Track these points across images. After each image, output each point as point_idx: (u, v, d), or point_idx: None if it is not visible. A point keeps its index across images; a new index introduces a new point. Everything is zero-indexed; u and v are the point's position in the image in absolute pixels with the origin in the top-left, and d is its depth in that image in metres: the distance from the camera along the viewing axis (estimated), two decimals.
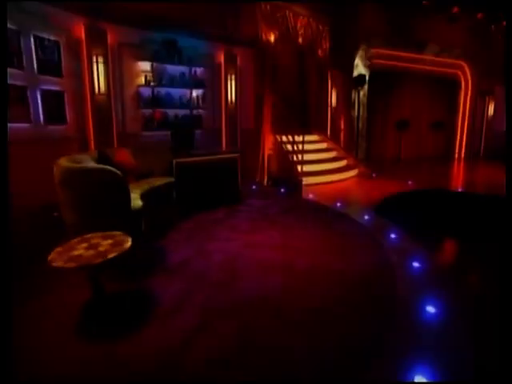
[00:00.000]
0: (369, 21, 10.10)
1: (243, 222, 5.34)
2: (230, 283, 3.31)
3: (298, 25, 8.91)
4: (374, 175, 9.24)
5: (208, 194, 6.27)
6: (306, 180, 7.54)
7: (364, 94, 10.66)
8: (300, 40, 9.02)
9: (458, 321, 2.71)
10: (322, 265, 3.75)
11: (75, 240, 2.95)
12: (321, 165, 8.58)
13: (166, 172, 5.91)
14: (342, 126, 10.58)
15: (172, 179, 5.71)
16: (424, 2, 9.50)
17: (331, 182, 8.24)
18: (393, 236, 4.76)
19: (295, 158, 7.72)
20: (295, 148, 7.92)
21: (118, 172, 3.64)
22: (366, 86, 10.48)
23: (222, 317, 2.74)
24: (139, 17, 6.92)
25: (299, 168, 7.68)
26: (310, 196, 7.04)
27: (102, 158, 4.65)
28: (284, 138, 8.13)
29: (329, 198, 6.90)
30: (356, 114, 10.53)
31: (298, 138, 8.08)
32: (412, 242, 4.66)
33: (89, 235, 3.05)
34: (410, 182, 8.43)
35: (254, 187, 8.03)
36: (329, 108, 10.28)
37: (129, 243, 2.85)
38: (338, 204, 6.43)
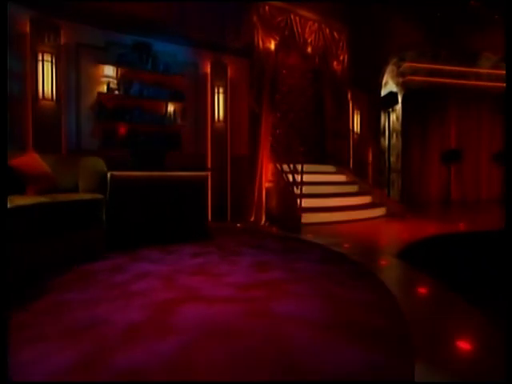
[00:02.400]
0: (401, 28, 9.11)
1: (192, 275, 3.59)
2: None
3: (307, 30, 8.06)
4: (408, 215, 7.92)
5: (157, 223, 5.18)
6: (316, 218, 6.79)
7: (397, 118, 9.60)
8: (309, 49, 8.21)
9: None
10: None
11: None
12: (336, 199, 7.54)
13: (100, 190, 4.76)
14: (370, 159, 9.09)
15: (99, 196, 4.35)
16: (472, 1, 7.94)
17: (350, 221, 7.13)
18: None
19: (299, 190, 6.60)
20: (300, 179, 6.73)
21: None
22: (398, 108, 9.42)
23: None
24: (104, 15, 6.18)
25: (302, 202, 6.63)
26: (319, 237, 5.62)
27: None
28: (287, 168, 7.11)
29: (344, 240, 5.42)
30: (386, 142, 9.17)
31: (308, 168, 7.09)
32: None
33: None
34: (460, 224, 6.92)
35: (238, 225, 6.85)
36: (350, 135, 9.01)
37: None
38: (355, 250, 4.83)
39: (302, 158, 6.52)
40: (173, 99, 7.00)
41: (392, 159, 9.51)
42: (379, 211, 7.87)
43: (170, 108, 7.03)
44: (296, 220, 6.24)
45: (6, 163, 2.60)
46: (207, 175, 5.88)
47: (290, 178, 6.89)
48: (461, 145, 10.82)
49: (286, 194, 6.87)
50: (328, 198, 7.51)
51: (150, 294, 2.97)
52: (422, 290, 3.21)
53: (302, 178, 6.47)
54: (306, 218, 6.56)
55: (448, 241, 5.67)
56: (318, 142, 9.15)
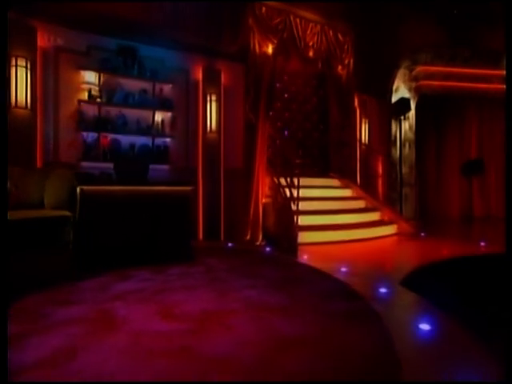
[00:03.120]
0: (414, 28, 8.68)
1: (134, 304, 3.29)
2: None
3: (308, 33, 7.63)
4: (422, 234, 7.46)
5: (134, 243, 4.77)
6: (317, 236, 6.36)
7: (409, 127, 9.08)
8: (311, 53, 7.75)
9: None
10: None
11: None
12: (341, 216, 7.04)
13: (69, 206, 4.32)
14: (380, 171, 8.63)
15: (66, 213, 3.90)
16: None
17: (356, 241, 6.59)
18: None
19: (296, 207, 6.19)
20: (297, 194, 6.33)
21: None
22: (411, 116, 8.97)
23: None
24: (85, 16, 5.81)
25: (302, 219, 6.32)
26: (318, 260, 5.16)
27: None
28: (284, 182, 6.70)
29: (345, 263, 4.91)
30: (398, 153, 8.67)
31: (309, 182, 7.00)
32: None
33: None
34: (482, 244, 6.36)
35: (229, 245, 6.51)
36: (358, 145, 8.53)
37: None
38: (354, 277, 4.28)
39: (297, 171, 6.10)
40: (161, 108, 6.64)
41: (404, 171, 8.94)
42: (389, 229, 7.34)
43: (158, 117, 6.67)
44: (292, 240, 5.74)
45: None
46: (192, 190, 5.35)
47: (288, 192, 6.36)
48: (483, 154, 10.13)
49: (283, 210, 6.37)
50: (331, 215, 7.00)
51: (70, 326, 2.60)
52: (429, 330, 2.60)
53: (298, 192, 6.07)
54: (307, 236, 6.16)
55: (465, 265, 5.01)
56: (323, 153, 8.70)
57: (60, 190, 4.43)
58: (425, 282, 4.18)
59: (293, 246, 5.67)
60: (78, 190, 4.46)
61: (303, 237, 6.01)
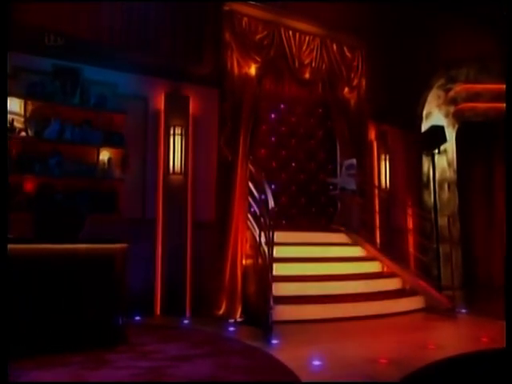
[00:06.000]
0: (451, 36, 7.97)
1: None
2: None
3: (304, 49, 6.78)
4: (462, 310, 6.24)
5: (41, 320, 4.05)
6: (310, 312, 5.45)
7: (449, 164, 8.09)
8: (307, 74, 6.86)
9: None
10: None
11: None
12: (344, 283, 6.08)
13: None
14: (408, 224, 7.61)
15: None
16: None
17: (364, 318, 5.55)
18: None
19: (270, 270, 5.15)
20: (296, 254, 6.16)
21: None
22: (450, 149, 8.17)
23: None
24: (11, 30, 4.67)
25: (293, 287, 5.66)
26: (299, 354, 4.10)
27: None
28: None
29: (338, 363, 3.86)
30: (432, 199, 7.56)
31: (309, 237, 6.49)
32: None
33: None
34: None
35: (185, 321, 5.57)
36: (375, 191, 7.57)
37: None
38: None
39: (273, 222, 5.17)
40: (108, 144, 5.83)
41: (442, 223, 7.41)
42: (412, 303, 6.18)
43: (104, 156, 5.84)
44: (266, 317, 4.70)
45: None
46: (121, 249, 4.49)
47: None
48: None
49: (262, 276, 5.40)
50: (332, 282, 6.01)
51: None
52: None
53: (271, 250, 5.06)
54: (296, 311, 5.42)
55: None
56: (332, 201, 7.80)
57: None
58: None
59: (267, 328, 4.61)
60: None
61: (293, 312, 5.33)
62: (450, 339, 5.06)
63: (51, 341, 4.00)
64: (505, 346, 3.16)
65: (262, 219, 5.78)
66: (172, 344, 4.38)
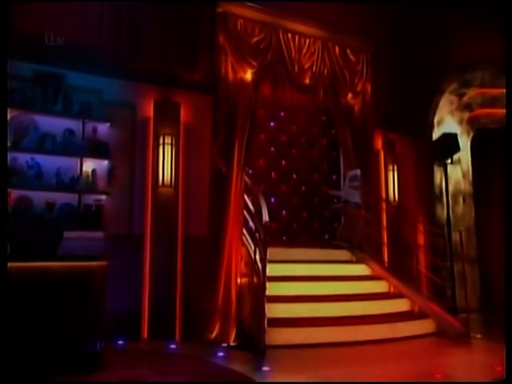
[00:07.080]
0: (466, 36, 7.80)
1: None
2: None
3: (304, 53, 6.64)
4: (477, 335, 5.93)
5: (5, 347, 3.78)
6: (307, 336, 5.22)
7: (464, 175, 8.01)
8: (307, 79, 6.68)
9: None
10: None
11: None
12: (346, 305, 5.90)
13: None
14: (419, 240, 7.20)
15: None
16: None
17: (367, 343, 5.29)
18: None
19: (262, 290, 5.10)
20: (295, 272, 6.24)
21: None
22: (465, 159, 8.09)
23: None
24: None
25: (291, 308, 5.49)
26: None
27: None
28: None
29: None
30: (445, 213, 7.36)
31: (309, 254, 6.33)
32: None
33: None
34: None
35: (172, 346, 5.33)
36: (382, 204, 7.37)
37: None
38: None
39: (267, 237, 5.07)
40: (92, 154, 5.75)
41: (456, 239, 7.09)
42: (421, 326, 5.88)
43: (88, 167, 5.70)
44: (259, 342, 4.66)
45: None
46: (100, 266, 4.28)
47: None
48: None
49: (257, 295, 5.16)
50: (332, 303, 5.81)
51: None
52: None
53: (264, 269, 4.96)
54: (291, 335, 5.20)
55: None
56: (334, 215, 7.63)
57: None
58: None
59: (259, 354, 4.57)
60: None
61: (287, 336, 5.12)
62: (461, 368, 4.80)
63: (17, 369, 3.73)
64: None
65: (256, 234, 5.57)
66: (152, 371, 4.10)
